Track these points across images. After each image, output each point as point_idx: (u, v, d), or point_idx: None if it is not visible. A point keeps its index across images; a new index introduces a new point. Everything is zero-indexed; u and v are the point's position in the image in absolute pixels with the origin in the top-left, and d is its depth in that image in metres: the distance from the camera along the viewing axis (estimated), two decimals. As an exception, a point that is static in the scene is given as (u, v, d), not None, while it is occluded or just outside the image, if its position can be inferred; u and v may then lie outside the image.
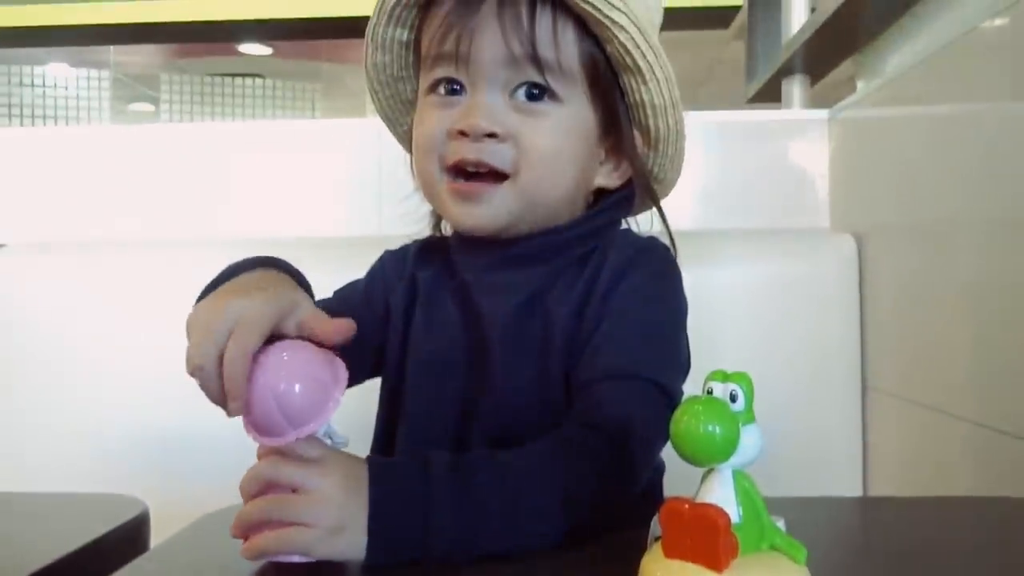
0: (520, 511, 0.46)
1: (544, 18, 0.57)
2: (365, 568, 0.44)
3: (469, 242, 0.63)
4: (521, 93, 0.59)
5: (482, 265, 0.63)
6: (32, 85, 4.28)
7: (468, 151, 0.58)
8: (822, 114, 1.18)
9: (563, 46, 0.58)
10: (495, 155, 0.58)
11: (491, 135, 0.58)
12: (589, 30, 0.58)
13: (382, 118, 0.71)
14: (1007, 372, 0.72)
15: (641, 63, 0.58)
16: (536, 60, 0.57)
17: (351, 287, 0.71)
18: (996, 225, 0.74)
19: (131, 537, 0.53)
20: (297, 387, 0.44)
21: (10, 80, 4.17)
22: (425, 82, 0.62)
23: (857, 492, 1.01)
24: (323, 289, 1.11)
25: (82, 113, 4.30)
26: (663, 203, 0.69)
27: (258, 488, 0.46)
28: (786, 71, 1.45)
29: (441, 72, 0.60)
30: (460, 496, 0.45)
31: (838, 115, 1.16)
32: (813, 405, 1.02)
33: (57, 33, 1.57)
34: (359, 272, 1.13)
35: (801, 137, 1.19)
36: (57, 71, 4.21)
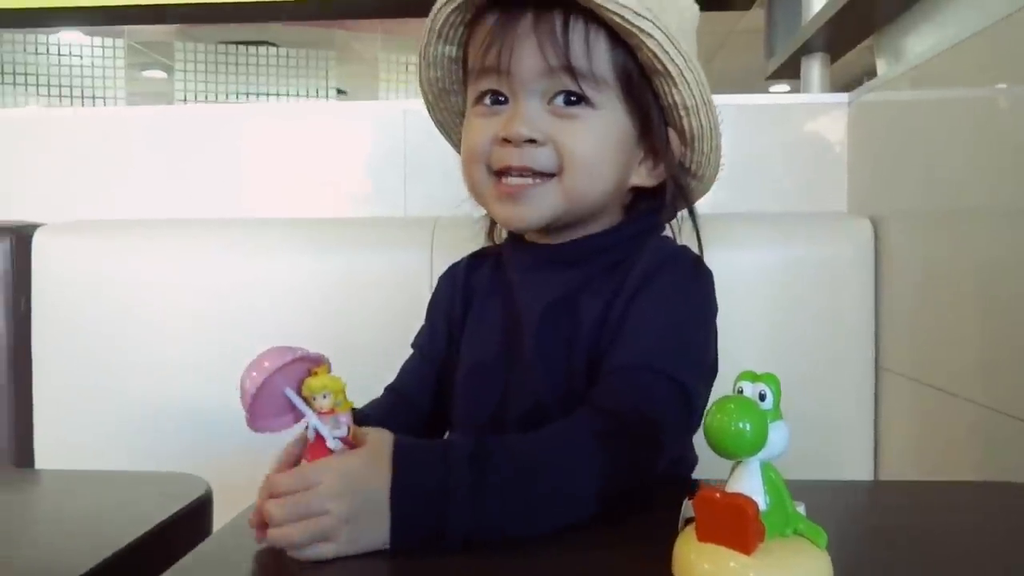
0: (539, 497, 0.49)
1: (576, 30, 0.60)
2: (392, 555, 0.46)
3: (519, 241, 0.68)
4: (559, 100, 0.63)
5: (526, 264, 0.68)
6: (47, 53, 4.28)
7: (513, 157, 0.62)
8: (842, 98, 1.19)
9: (595, 56, 0.61)
10: (538, 159, 0.62)
11: (531, 141, 0.62)
12: (620, 39, 0.61)
13: (438, 127, 0.75)
14: (1017, 358, 0.74)
15: (671, 67, 0.61)
16: (571, 70, 0.61)
17: (418, 338, 0.76)
18: (1011, 212, 0.76)
19: (195, 518, 0.55)
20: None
21: (25, 48, 4.16)
22: (472, 93, 0.66)
23: (868, 470, 1.04)
24: (349, 268, 1.14)
25: (96, 81, 4.30)
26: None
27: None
28: (805, 49, 1.45)
29: (486, 84, 0.64)
30: (477, 487, 0.47)
31: (858, 100, 1.17)
32: (828, 385, 1.04)
33: (71, 13, 1.61)
34: (385, 252, 1.16)
35: (821, 121, 1.21)
36: (71, 38, 4.21)
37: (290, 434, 0.51)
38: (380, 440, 0.49)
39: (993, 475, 0.77)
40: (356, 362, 1.15)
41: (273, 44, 4.48)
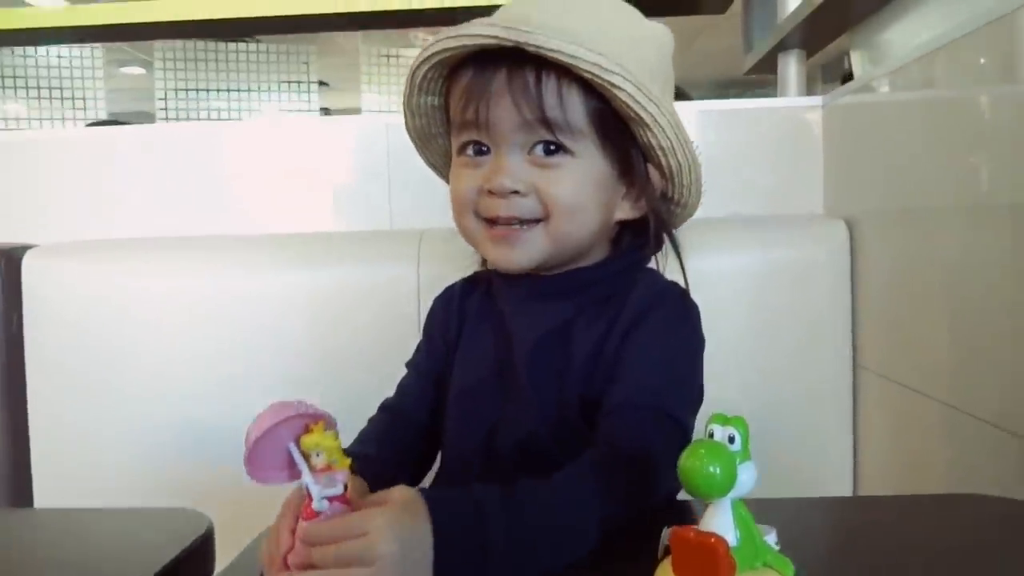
0: (562, 538, 0.52)
1: (549, 84, 0.63)
2: None
3: (508, 276, 0.70)
4: (539, 150, 0.65)
5: (519, 296, 0.70)
6: (24, 54, 4.22)
7: (499, 208, 0.65)
8: (816, 101, 1.22)
9: (569, 107, 0.63)
10: (523, 208, 0.65)
11: (515, 192, 0.65)
12: (593, 89, 0.63)
13: (429, 167, 0.77)
14: (987, 360, 0.77)
15: (643, 114, 0.63)
16: (546, 122, 0.63)
17: (415, 356, 0.78)
18: (983, 214, 0.78)
19: (197, 557, 0.55)
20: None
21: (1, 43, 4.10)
22: (456, 143, 0.69)
23: (848, 467, 1.07)
24: (336, 282, 1.15)
25: (76, 82, 4.25)
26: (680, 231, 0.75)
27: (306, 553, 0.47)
28: (782, 46, 1.48)
29: (467, 136, 0.67)
30: (510, 532, 0.49)
31: (832, 103, 1.19)
32: (806, 385, 1.07)
33: (58, 32, 1.62)
34: (369, 266, 1.17)
35: (796, 124, 1.23)
36: (47, 37, 4.14)
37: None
38: (408, 495, 0.49)
39: (962, 475, 0.80)
40: (345, 375, 1.17)
41: (253, 39, 4.45)
